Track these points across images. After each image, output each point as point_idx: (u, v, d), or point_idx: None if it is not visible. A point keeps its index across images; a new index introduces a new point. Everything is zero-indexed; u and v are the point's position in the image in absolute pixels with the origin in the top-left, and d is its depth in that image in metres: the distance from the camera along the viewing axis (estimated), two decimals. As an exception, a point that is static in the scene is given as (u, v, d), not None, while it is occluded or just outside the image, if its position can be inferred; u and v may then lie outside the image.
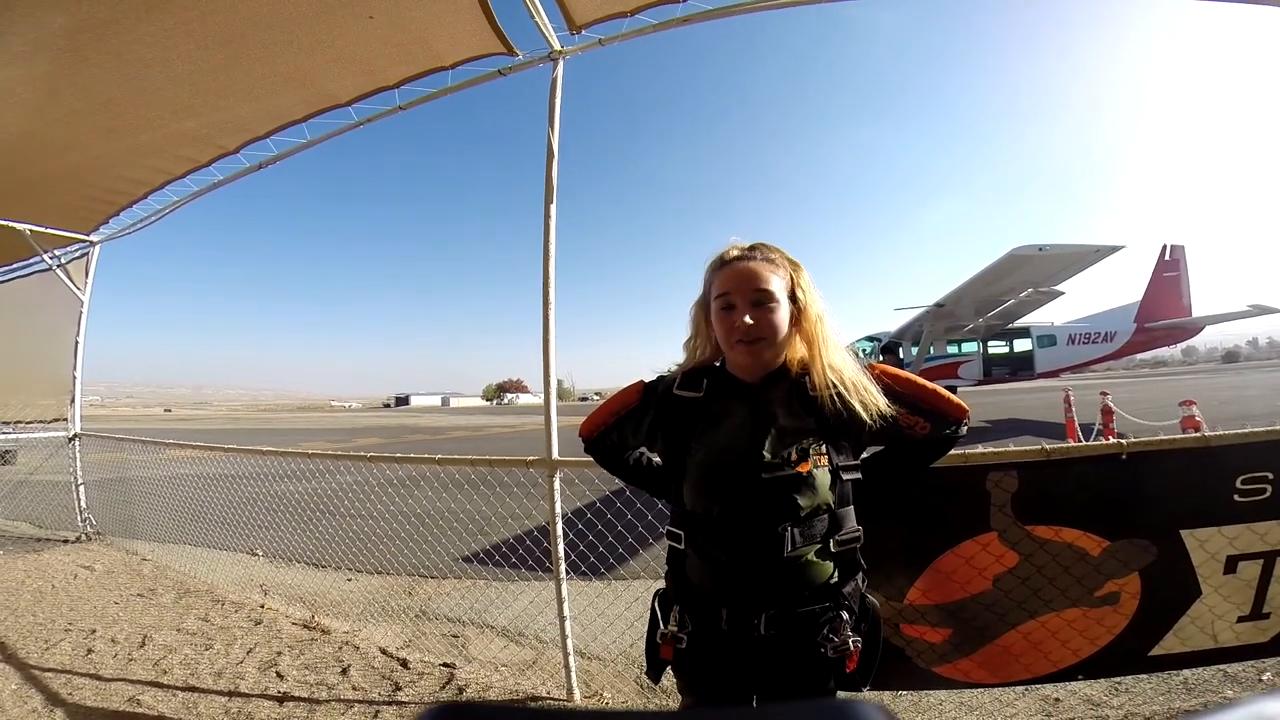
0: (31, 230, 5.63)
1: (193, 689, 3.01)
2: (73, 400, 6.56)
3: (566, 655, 2.84)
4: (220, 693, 2.97)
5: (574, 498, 3.03)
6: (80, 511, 6.48)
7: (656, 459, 1.60)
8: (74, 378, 6.54)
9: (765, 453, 1.29)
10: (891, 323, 23.16)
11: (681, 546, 1.38)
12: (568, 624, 2.84)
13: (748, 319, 1.31)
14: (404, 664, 3.22)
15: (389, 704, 2.82)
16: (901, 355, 22.05)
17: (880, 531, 1.69)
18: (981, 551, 2.01)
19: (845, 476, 1.34)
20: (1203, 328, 22.69)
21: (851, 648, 1.29)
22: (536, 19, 2.85)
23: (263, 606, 4.16)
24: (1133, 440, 2.02)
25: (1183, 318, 21.82)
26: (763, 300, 1.32)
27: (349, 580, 4.74)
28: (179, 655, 3.40)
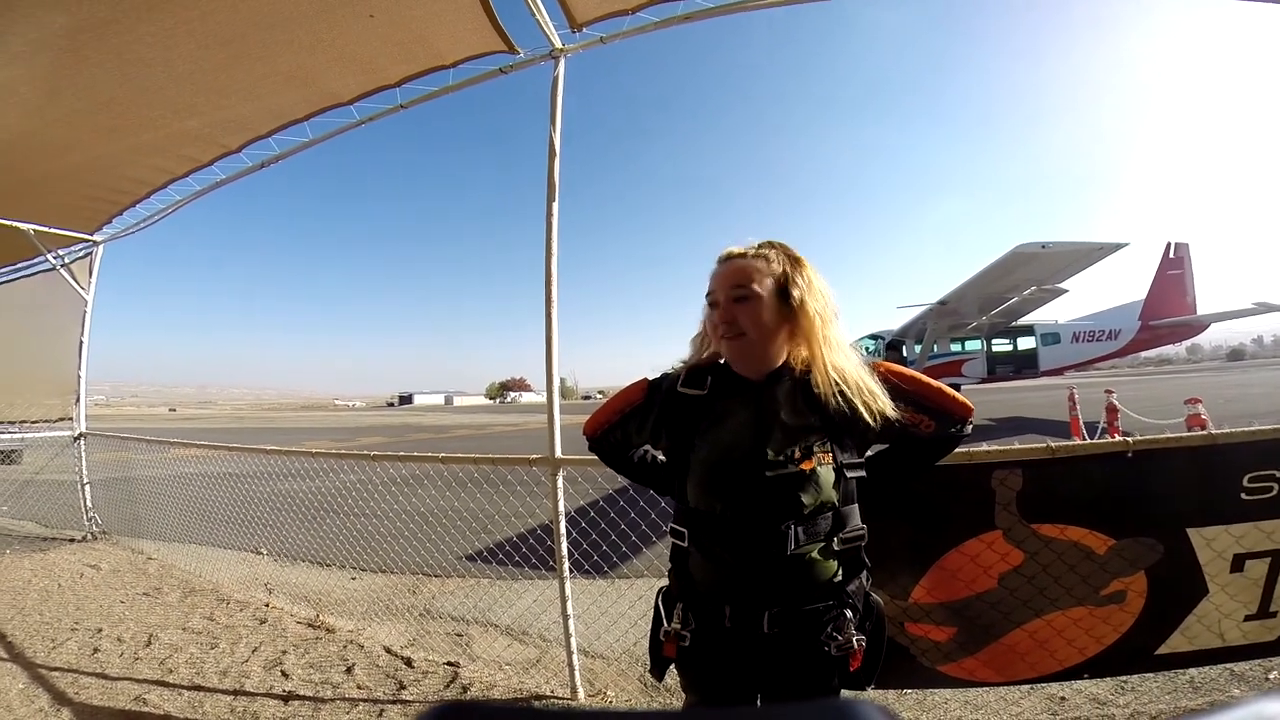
0: (35, 230, 5.64)
1: (198, 688, 3.02)
2: (77, 400, 6.57)
3: (570, 654, 2.84)
4: (225, 691, 2.98)
5: (577, 496, 3.03)
6: (86, 511, 6.49)
7: (661, 456, 1.60)
8: (79, 377, 6.55)
9: (769, 450, 1.28)
10: (895, 321, 23.13)
11: (685, 544, 1.38)
12: (571, 622, 2.83)
13: (720, 314, 1.36)
14: (408, 663, 3.23)
15: (393, 703, 2.82)
16: (905, 353, 22.02)
17: (885, 529, 1.69)
18: (987, 550, 2.01)
19: (849, 474, 1.33)
20: (1207, 325, 22.60)
21: (855, 646, 1.29)
22: (537, 17, 2.84)
23: (267, 605, 4.17)
24: (1138, 438, 2.01)
25: (1187, 315, 21.74)
26: (742, 296, 1.34)
27: (353, 579, 4.74)
28: (184, 654, 3.40)
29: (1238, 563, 1.94)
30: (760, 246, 1.39)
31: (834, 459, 1.30)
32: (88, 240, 6.23)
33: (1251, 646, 2.00)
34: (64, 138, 3.91)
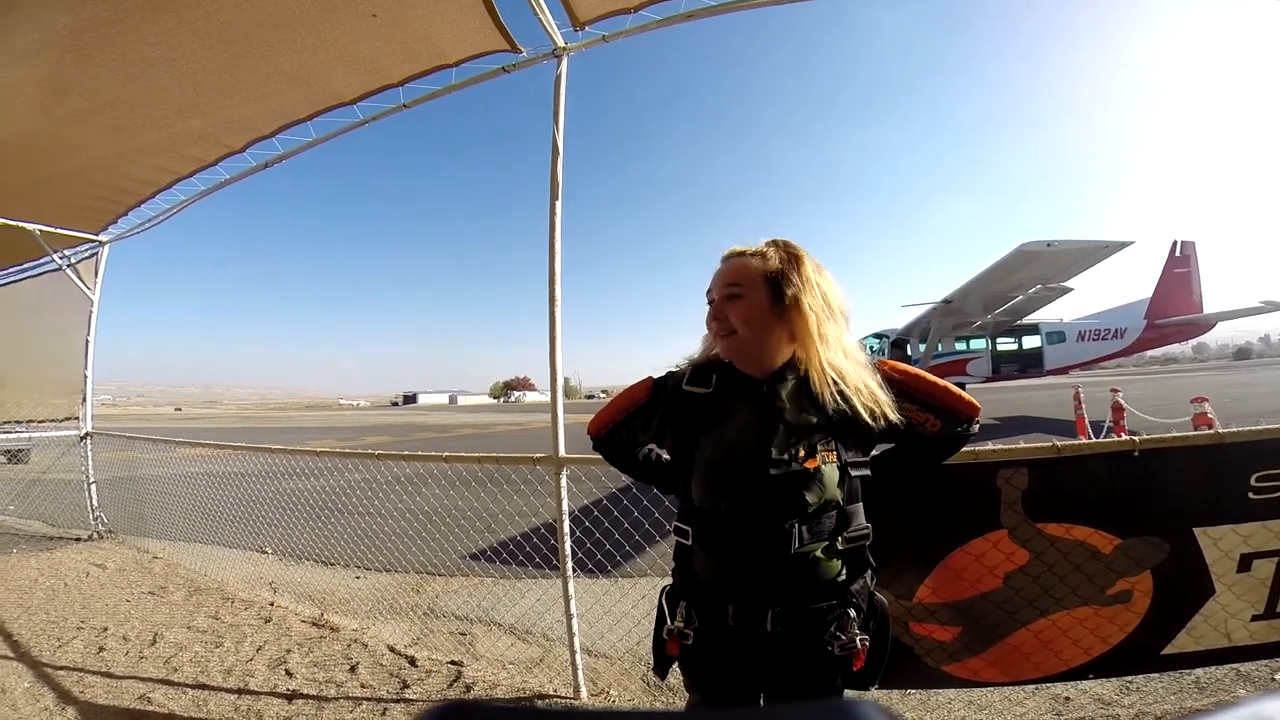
0: (41, 230, 5.66)
1: (203, 686, 3.03)
2: (84, 399, 6.60)
3: (573, 653, 2.84)
4: (230, 690, 2.98)
5: (580, 495, 3.03)
6: (92, 510, 6.52)
7: (666, 455, 1.60)
8: (85, 377, 6.57)
9: (773, 449, 1.28)
10: (899, 320, 23.08)
11: (689, 542, 1.38)
12: (574, 621, 2.83)
13: (712, 311, 1.39)
14: (412, 661, 3.23)
15: (397, 701, 2.83)
16: (909, 352, 21.96)
17: (890, 529, 1.68)
18: (992, 549, 1.99)
19: (854, 473, 1.32)
20: (1214, 324, 22.48)
21: (859, 646, 1.29)
22: (540, 15, 2.84)
23: (272, 604, 4.18)
24: (1145, 437, 1.99)
25: (1193, 314, 21.63)
26: (734, 294, 1.35)
27: (357, 578, 4.75)
28: (189, 653, 3.41)
29: (1245, 562, 1.93)
30: (764, 245, 1.39)
31: (838, 457, 1.29)
32: (93, 240, 6.26)
33: (1258, 647, 1.99)
34: (69, 137, 3.93)
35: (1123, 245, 15.16)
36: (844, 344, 1.35)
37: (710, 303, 1.41)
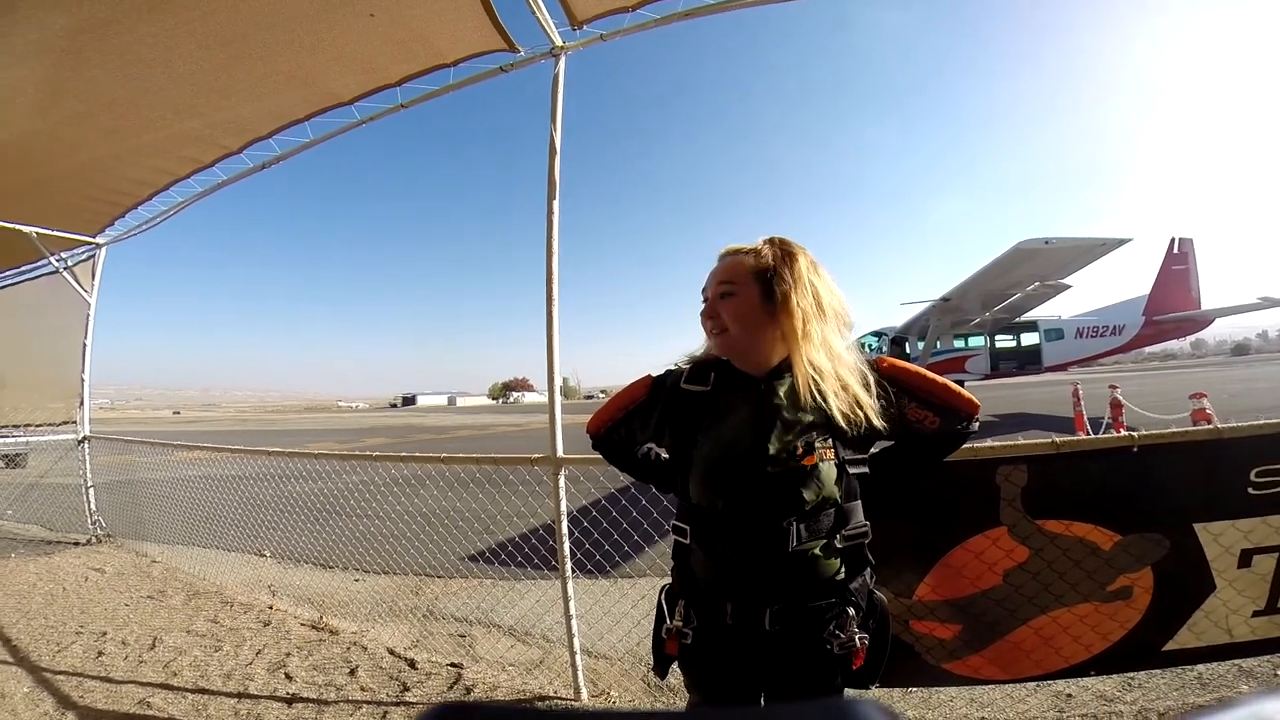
0: (38, 233, 5.65)
1: (202, 691, 3.02)
2: (81, 403, 6.59)
3: (573, 654, 2.83)
4: (229, 694, 2.97)
5: (579, 495, 3.02)
6: (90, 514, 6.50)
7: (665, 454, 1.59)
8: (82, 380, 6.56)
9: (770, 446, 1.27)
10: (898, 317, 23.12)
11: (687, 541, 1.37)
12: (574, 623, 2.83)
13: (705, 309, 1.40)
14: (411, 664, 3.22)
15: (397, 704, 2.82)
16: (908, 350, 21.99)
17: (889, 526, 1.67)
18: (992, 546, 1.99)
19: (852, 471, 1.32)
20: (1212, 320, 22.52)
21: (858, 644, 1.28)
22: (538, 14, 2.83)
23: (271, 607, 4.17)
24: (1144, 433, 1.98)
25: (1191, 310, 21.67)
26: (727, 292, 1.35)
27: (356, 580, 4.75)
28: (189, 657, 3.41)
29: (1245, 558, 1.92)
30: (760, 242, 1.38)
31: (836, 455, 1.29)
32: (90, 242, 6.25)
33: (1260, 642, 1.98)
34: (66, 139, 3.92)
35: (1120, 242, 15.19)
36: (829, 343, 1.33)
37: (705, 300, 1.41)
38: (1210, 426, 1.99)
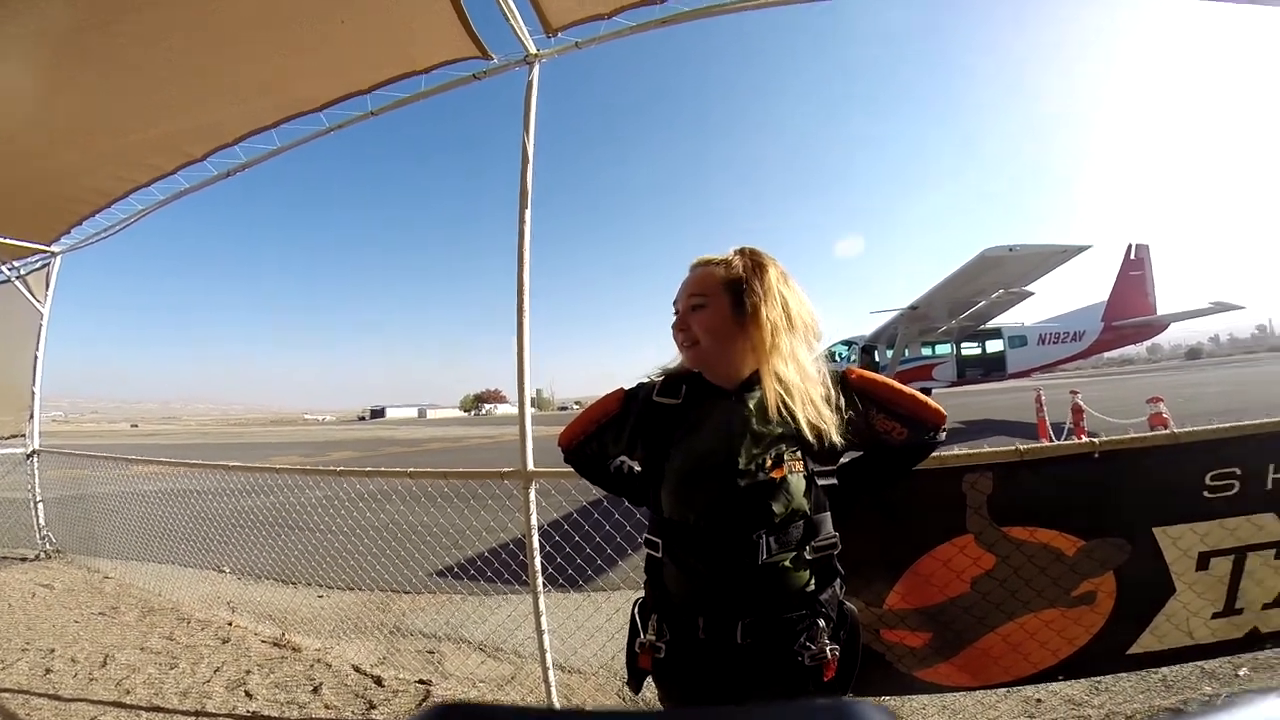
0: (-12, 241, 5.45)
1: (157, 709, 2.92)
2: (31, 416, 6.34)
3: (546, 669, 2.78)
4: (186, 713, 2.88)
5: (550, 509, 2.99)
6: (39, 529, 6.27)
7: (637, 467, 1.58)
8: (33, 393, 6.32)
9: (740, 459, 1.27)
10: (869, 326, 23.51)
11: (659, 555, 1.36)
12: (546, 638, 2.78)
13: (676, 321, 1.40)
14: (378, 681, 3.15)
15: (363, 723, 2.75)
16: (877, 358, 22.34)
17: (858, 536, 1.68)
18: (959, 554, 2.01)
19: (820, 482, 1.32)
20: (1167, 325, 23.29)
21: (829, 655, 1.28)
22: (512, 22, 2.82)
23: (230, 624, 4.05)
24: (1104, 439, 2.03)
25: (1148, 316, 22.38)
26: (698, 304, 1.35)
27: (320, 597, 4.63)
28: (142, 674, 3.29)
29: (1203, 561, 1.97)
30: (731, 253, 1.39)
31: (805, 467, 1.29)
32: (45, 251, 6.03)
33: (1221, 644, 2.03)
34: (21, 145, 3.78)
35: (1081, 249, 15.66)
36: (797, 357, 1.33)
37: (676, 312, 1.41)
38: (1167, 432, 2.04)
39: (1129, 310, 22.43)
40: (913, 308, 19.05)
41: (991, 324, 21.88)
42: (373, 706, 2.89)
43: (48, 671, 3.34)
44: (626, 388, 1.53)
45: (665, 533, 1.35)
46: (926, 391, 1.37)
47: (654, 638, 1.35)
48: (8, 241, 5.57)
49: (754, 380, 1.34)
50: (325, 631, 3.90)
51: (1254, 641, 2.03)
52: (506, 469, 2.86)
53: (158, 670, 3.34)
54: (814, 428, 1.29)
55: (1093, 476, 2.00)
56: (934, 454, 1.61)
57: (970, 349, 22.92)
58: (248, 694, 3.04)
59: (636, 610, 1.43)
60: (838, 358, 23.11)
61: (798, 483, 1.28)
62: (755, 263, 1.36)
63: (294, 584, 4.75)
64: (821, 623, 1.30)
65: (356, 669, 3.30)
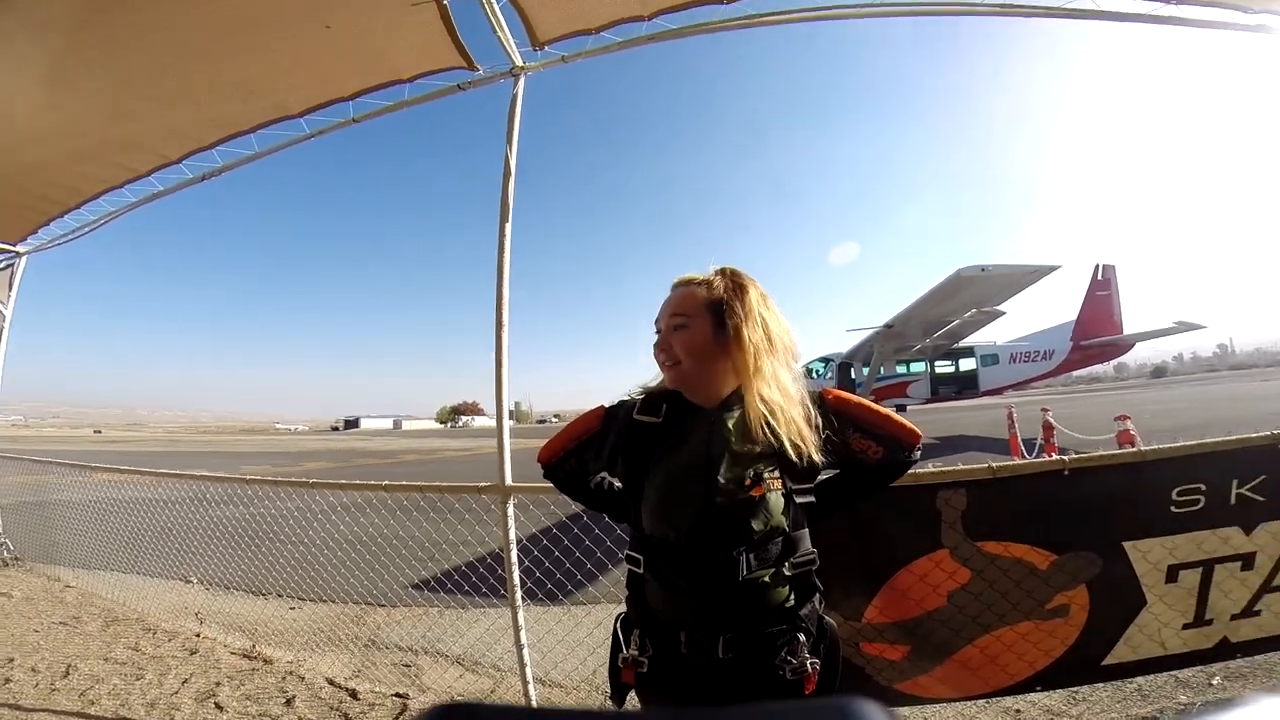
0: (-50, 240, 5.30)
1: (123, 720, 2.83)
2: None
3: (525, 683, 2.76)
4: (153, 726, 2.80)
5: (529, 523, 2.97)
6: (-5, 537, 6.05)
7: (618, 484, 1.59)
8: (-8, 397, 6.14)
9: (720, 477, 1.29)
10: (844, 344, 23.81)
11: (641, 571, 1.37)
12: (525, 651, 2.76)
13: (658, 341, 1.41)
14: (353, 694, 3.09)
15: (337, 737, 2.70)
16: (853, 375, 22.61)
17: (836, 552, 1.70)
18: (935, 568, 2.04)
19: (799, 500, 1.34)
20: (1133, 345, 23.88)
21: (810, 669, 1.29)
22: (499, 34, 2.83)
23: (198, 635, 3.94)
24: (1074, 456, 2.08)
25: (1115, 335, 22.95)
26: (680, 324, 1.37)
27: (292, 608, 4.53)
28: (107, 685, 3.20)
29: (1172, 573, 2.03)
30: (712, 273, 1.41)
31: (783, 485, 1.31)
32: (10, 251, 5.87)
33: (1192, 654, 2.09)
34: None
35: (1052, 269, 16.06)
36: (779, 378, 1.35)
37: (658, 332, 1.42)
38: (1134, 449, 2.10)
39: (1097, 330, 22.99)
40: (888, 326, 19.35)
41: (964, 343, 22.29)
42: (348, 719, 2.83)
43: (7, 681, 3.23)
44: (607, 405, 1.54)
45: (647, 549, 1.36)
46: (901, 408, 1.39)
47: (637, 652, 1.35)
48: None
49: (734, 399, 1.37)
50: (298, 644, 3.81)
51: (1224, 651, 2.10)
52: (484, 483, 2.84)
53: (123, 681, 3.25)
54: (795, 447, 1.31)
55: (1063, 493, 2.05)
56: (909, 471, 1.64)
57: (944, 367, 23.33)
58: (218, 706, 2.97)
59: (619, 625, 1.43)
60: (814, 374, 23.36)
61: (776, 501, 1.30)
62: (736, 284, 1.38)
63: (265, 595, 4.65)
64: (802, 637, 1.31)
65: (331, 682, 3.23)
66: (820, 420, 1.37)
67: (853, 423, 1.41)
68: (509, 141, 2.93)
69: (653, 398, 1.45)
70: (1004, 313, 18.54)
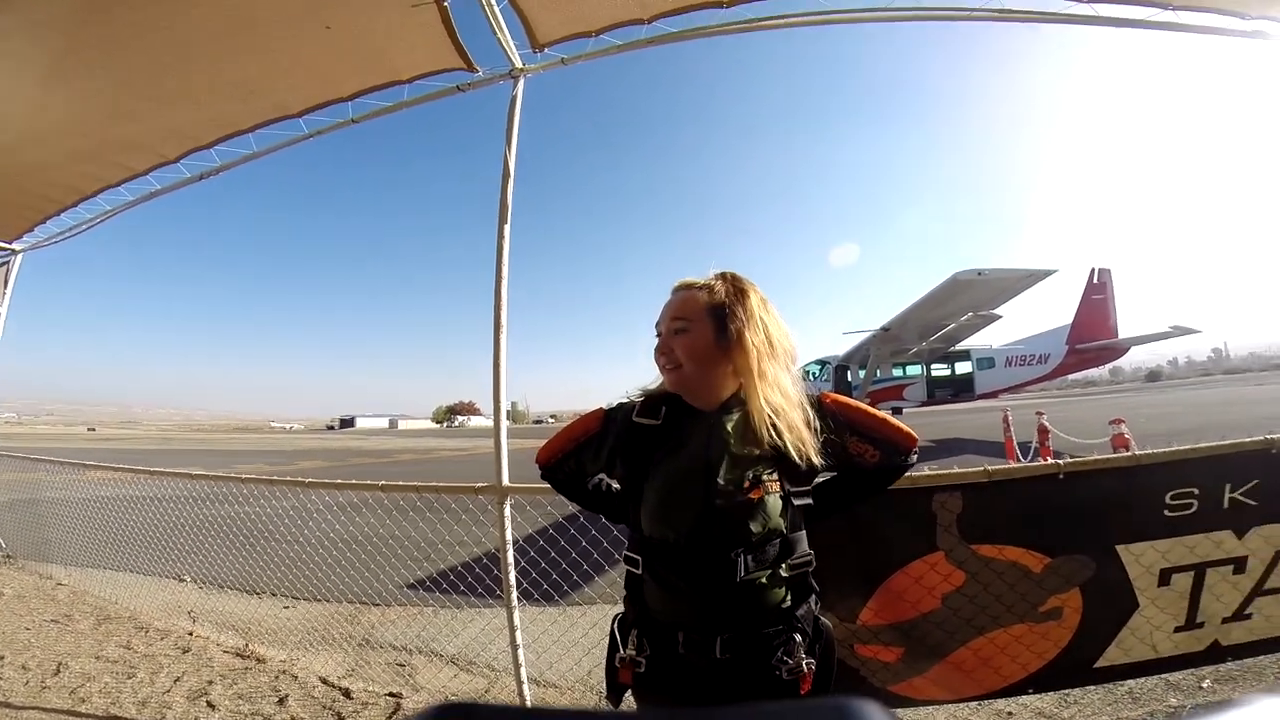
0: (-54, 237, 5.28)
1: (114, 718, 2.84)
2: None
3: (520, 684, 2.76)
4: (145, 723, 2.79)
5: (525, 524, 2.97)
6: (-12, 534, 6.03)
7: (616, 485, 1.59)
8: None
9: (719, 480, 1.30)
10: (841, 346, 23.85)
11: (639, 572, 1.38)
12: (520, 652, 2.76)
13: (659, 345, 1.42)
14: (346, 694, 3.08)
15: (331, 736, 2.69)
16: (850, 378, 22.66)
17: (832, 553, 1.71)
18: (930, 571, 2.06)
19: (796, 502, 1.36)
20: (1128, 349, 23.96)
21: (805, 669, 1.30)
22: (499, 36, 2.83)
23: (191, 634, 3.93)
24: (1069, 460, 2.10)
25: (1110, 339, 23.03)
26: (681, 328, 1.38)
27: (286, 608, 4.52)
28: (98, 683, 3.19)
29: (1164, 577, 2.04)
30: (712, 277, 1.42)
31: (781, 487, 1.33)
32: (6, 249, 5.86)
33: (1183, 657, 2.11)
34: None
35: (1048, 273, 16.12)
36: (781, 382, 1.37)
37: (659, 336, 1.43)
38: (1128, 454, 2.12)
39: (1092, 334, 23.08)
40: (885, 329, 19.41)
41: (961, 346, 22.35)
42: (341, 718, 2.83)
43: (-3, 678, 3.22)
44: (606, 407, 1.55)
45: (645, 550, 1.37)
46: (897, 411, 1.41)
47: (634, 652, 1.36)
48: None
49: (733, 402, 1.38)
50: (291, 643, 3.81)
51: (1215, 654, 2.11)
52: (481, 484, 2.84)
53: (114, 679, 3.24)
54: (796, 449, 1.32)
55: (1058, 496, 2.07)
56: (905, 474, 1.65)
57: (940, 370, 23.39)
58: (210, 704, 2.96)
59: (616, 625, 1.44)
60: (811, 377, 23.40)
61: (774, 503, 1.31)
62: (737, 288, 1.40)
63: (259, 594, 4.64)
64: (798, 637, 1.32)
65: (324, 681, 3.23)
66: (818, 423, 1.38)
67: (850, 426, 1.42)
68: (508, 143, 2.93)
69: (652, 400, 1.45)
70: (1000, 316, 18.60)
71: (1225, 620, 2.08)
